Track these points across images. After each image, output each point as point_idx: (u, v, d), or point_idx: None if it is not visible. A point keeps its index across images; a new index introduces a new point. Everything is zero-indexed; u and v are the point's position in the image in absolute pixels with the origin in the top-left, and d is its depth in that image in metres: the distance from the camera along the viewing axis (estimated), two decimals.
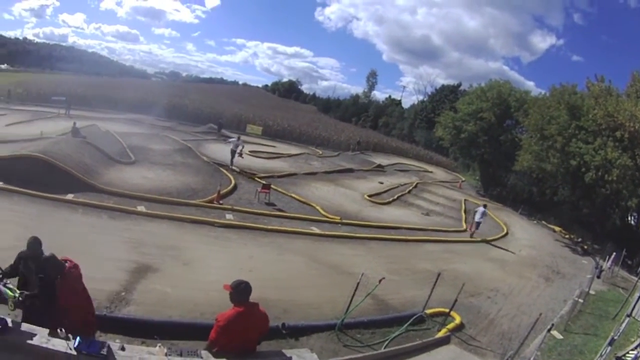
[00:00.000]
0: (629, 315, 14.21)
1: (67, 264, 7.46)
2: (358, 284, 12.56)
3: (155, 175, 26.27)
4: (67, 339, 7.01)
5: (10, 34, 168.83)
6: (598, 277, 25.16)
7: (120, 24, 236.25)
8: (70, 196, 19.12)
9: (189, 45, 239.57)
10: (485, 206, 30.79)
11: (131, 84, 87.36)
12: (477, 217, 29.94)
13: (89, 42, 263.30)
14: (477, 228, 30.04)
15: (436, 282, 14.29)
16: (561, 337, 15.40)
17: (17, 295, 7.30)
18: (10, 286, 7.49)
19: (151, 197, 21.18)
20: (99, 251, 14.04)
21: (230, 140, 34.04)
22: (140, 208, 19.48)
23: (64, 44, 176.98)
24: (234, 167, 31.86)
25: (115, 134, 35.57)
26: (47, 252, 7.52)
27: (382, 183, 40.79)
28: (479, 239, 28.87)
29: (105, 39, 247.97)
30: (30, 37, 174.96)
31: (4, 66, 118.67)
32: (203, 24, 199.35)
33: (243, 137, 36.71)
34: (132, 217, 18.49)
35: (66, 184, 20.13)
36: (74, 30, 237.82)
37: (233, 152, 32.42)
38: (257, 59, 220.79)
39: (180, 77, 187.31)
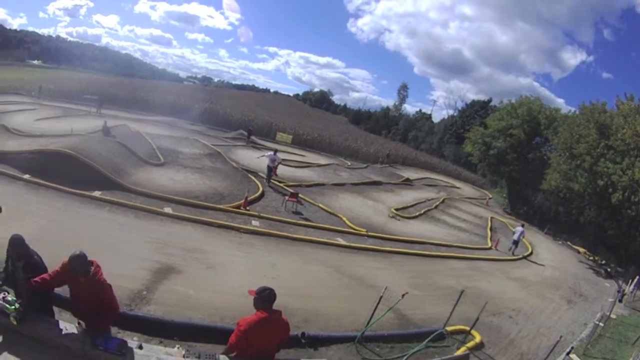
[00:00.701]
0: None
1: (92, 267, 7.53)
2: (381, 297, 12.49)
3: (183, 178, 26.43)
4: (84, 333, 7.17)
5: (44, 31, 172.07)
6: (620, 301, 24.94)
7: (154, 28, 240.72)
8: (97, 193, 19.36)
9: (222, 51, 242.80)
10: (523, 225, 32.91)
11: (163, 87, 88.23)
12: (515, 237, 31.84)
13: (122, 43, 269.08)
14: (515, 246, 31.66)
15: (459, 299, 14.13)
16: None
17: (17, 307, 7.25)
18: (9, 298, 7.43)
19: (178, 200, 21.32)
20: (123, 249, 14.20)
21: (267, 154, 30.89)
22: (167, 209, 19.62)
23: (97, 44, 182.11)
24: (271, 184, 30.10)
25: (146, 135, 35.89)
26: (73, 248, 7.58)
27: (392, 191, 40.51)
28: (519, 257, 29.68)
29: (138, 41, 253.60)
30: (63, 35, 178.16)
31: (36, 62, 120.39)
32: (236, 30, 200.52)
33: (272, 145, 36.56)
34: (158, 217, 18.63)
35: (94, 181, 20.43)
36: (108, 32, 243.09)
37: (270, 168, 30.40)
38: (289, 68, 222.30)
39: (212, 83, 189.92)
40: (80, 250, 7.46)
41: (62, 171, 20.12)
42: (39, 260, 7.80)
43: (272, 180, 30.44)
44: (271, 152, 30.75)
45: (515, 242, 31.83)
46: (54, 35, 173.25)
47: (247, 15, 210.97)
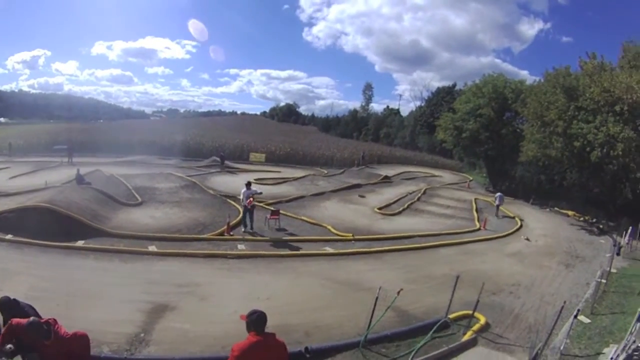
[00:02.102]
0: None
1: (53, 327, 7.38)
2: (377, 298, 12.37)
3: (163, 213, 26.32)
4: None
5: (5, 87, 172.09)
6: (618, 254, 25.22)
7: (114, 67, 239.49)
8: (80, 243, 19.18)
9: (184, 81, 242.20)
10: (501, 192, 38.27)
11: (130, 126, 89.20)
12: (496, 202, 38.02)
13: (84, 88, 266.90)
14: (497, 209, 37.49)
15: (456, 285, 14.06)
16: (589, 320, 15.24)
17: None
18: None
19: (161, 236, 21.23)
20: (114, 294, 14.04)
21: (242, 192, 24.75)
22: (152, 248, 19.48)
23: (59, 92, 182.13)
24: (249, 230, 24.06)
25: (119, 176, 35.82)
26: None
27: (362, 197, 40.33)
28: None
29: (100, 84, 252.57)
30: (25, 88, 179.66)
31: (2, 120, 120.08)
32: (195, 58, 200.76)
33: (247, 167, 36.00)
34: (144, 257, 18.49)
35: (75, 231, 20.24)
36: (69, 78, 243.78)
37: (245, 209, 24.38)
38: (252, 87, 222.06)
39: (179, 114, 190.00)
40: (33, 318, 7.37)
41: (42, 226, 19.90)
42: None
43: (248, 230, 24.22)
44: (244, 189, 24.85)
45: (497, 207, 37.76)
46: (16, 90, 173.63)
47: (203, 41, 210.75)
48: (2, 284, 12.86)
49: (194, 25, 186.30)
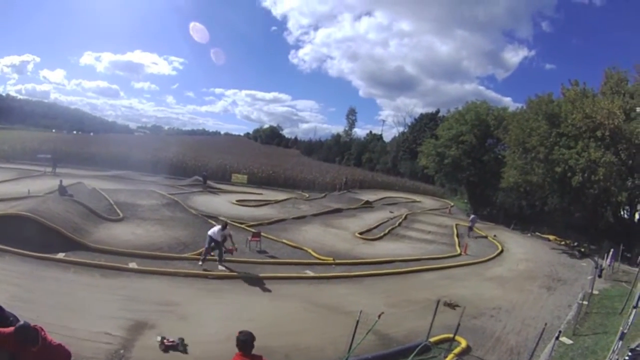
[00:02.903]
0: (635, 307, 14.17)
1: (40, 333, 7.29)
2: (358, 321, 12.37)
3: (144, 231, 26.13)
4: None
5: None
6: (599, 276, 25.56)
7: (100, 79, 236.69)
8: (61, 255, 19.03)
9: (169, 97, 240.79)
10: (475, 213, 40.40)
11: (115, 140, 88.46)
12: (470, 223, 39.84)
13: (70, 98, 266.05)
14: (470, 230, 39.16)
15: (436, 309, 14.19)
16: (571, 342, 15.45)
17: None
18: None
19: (142, 254, 21.08)
20: (94, 310, 13.90)
21: (213, 230, 22.13)
22: (132, 265, 19.34)
23: (46, 100, 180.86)
24: (221, 266, 21.61)
25: (102, 191, 35.50)
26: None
27: (392, 212, 41.16)
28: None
29: (86, 95, 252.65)
30: (12, 93, 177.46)
31: None
32: (181, 75, 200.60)
33: (228, 188, 35.64)
34: (124, 274, 18.32)
35: (56, 243, 20.10)
36: (56, 87, 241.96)
37: (218, 245, 21.56)
38: (237, 107, 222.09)
39: (163, 131, 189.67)
40: (24, 320, 7.29)
41: (24, 235, 19.81)
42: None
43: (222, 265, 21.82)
44: (218, 227, 22.46)
45: (470, 228, 39.44)
46: (4, 94, 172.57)
47: (190, 58, 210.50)
48: None
49: (194, 28, 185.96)
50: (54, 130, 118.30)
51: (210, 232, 21.69)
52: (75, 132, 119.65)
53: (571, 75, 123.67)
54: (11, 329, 7.17)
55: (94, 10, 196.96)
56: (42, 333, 7.27)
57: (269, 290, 18.83)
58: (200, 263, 21.16)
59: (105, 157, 63.44)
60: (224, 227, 22.43)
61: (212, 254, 21.41)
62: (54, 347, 7.39)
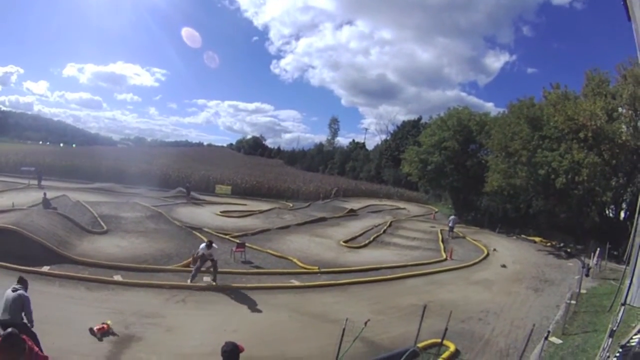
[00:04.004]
0: (623, 304, 14.25)
1: (27, 343, 7.19)
2: (344, 329, 12.27)
3: (128, 243, 26.00)
4: None
5: None
6: (587, 275, 26.26)
7: (83, 91, 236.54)
8: (46, 268, 18.95)
9: (152, 109, 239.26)
10: (455, 215, 41.90)
11: (98, 152, 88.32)
12: (450, 224, 40.79)
13: (53, 110, 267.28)
14: (451, 231, 40.38)
15: (423, 314, 14.17)
16: (560, 341, 15.59)
17: None
18: None
19: (127, 266, 20.99)
20: (79, 323, 13.76)
21: (201, 248, 21.08)
22: (117, 277, 19.27)
23: (29, 112, 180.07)
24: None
25: (86, 203, 35.17)
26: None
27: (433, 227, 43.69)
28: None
29: (69, 107, 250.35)
30: None
31: None
32: (163, 86, 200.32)
33: (212, 199, 35.32)
34: (109, 287, 18.26)
35: (41, 256, 20.02)
36: (39, 98, 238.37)
37: (200, 262, 20.73)
38: (220, 118, 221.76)
39: (146, 142, 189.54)
40: (12, 328, 7.21)
41: (8, 248, 19.71)
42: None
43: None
44: (203, 245, 21.24)
45: (451, 228, 40.67)
46: None
47: (172, 69, 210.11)
48: None
49: (187, 33, 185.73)
50: (40, 142, 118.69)
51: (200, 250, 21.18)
52: (62, 144, 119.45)
53: (553, 78, 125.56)
54: None
55: (77, 21, 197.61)
56: (29, 343, 7.21)
57: (255, 301, 18.72)
58: (189, 282, 20.33)
59: (88, 169, 63.25)
60: (209, 245, 21.46)
61: (202, 269, 21.28)
62: (42, 357, 7.42)
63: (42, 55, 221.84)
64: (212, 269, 20.86)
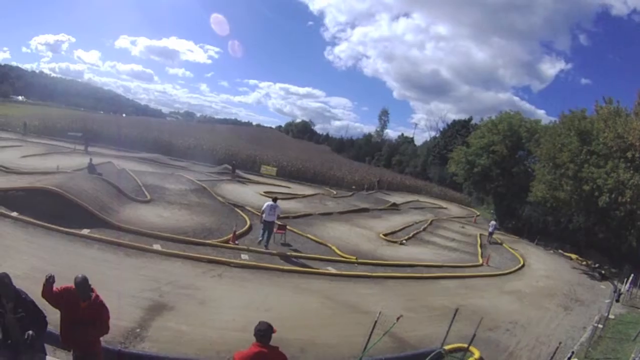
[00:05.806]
0: None
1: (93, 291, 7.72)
2: (375, 322, 12.34)
3: (170, 214, 26.35)
4: None
5: (27, 66, 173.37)
6: (617, 300, 25.40)
7: (135, 63, 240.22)
8: (86, 231, 19.23)
9: (203, 85, 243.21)
10: (495, 220, 41.61)
11: (146, 123, 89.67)
12: (490, 229, 41.03)
13: (104, 79, 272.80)
14: (490, 236, 40.85)
15: (454, 317, 14.05)
16: None
17: None
18: None
19: (167, 236, 21.17)
20: (114, 287, 13.77)
21: (266, 205, 23.23)
22: (156, 246, 19.50)
23: (79, 80, 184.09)
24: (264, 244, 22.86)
25: (131, 172, 36.03)
26: (64, 282, 7.57)
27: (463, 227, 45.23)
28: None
29: (120, 77, 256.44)
30: (46, 71, 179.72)
31: (20, 98, 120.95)
32: (216, 64, 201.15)
33: (257, 178, 35.64)
34: (147, 255, 18.49)
35: (82, 219, 20.31)
36: (90, 67, 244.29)
37: (267, 226, 22.97)
38: (270, 100, 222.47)
39: (195, 118, 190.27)
40: (82, 274, 7.64)
41: (50, 209, 20.02)
42: (28, 298, 7.62)
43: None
44: (270, 202, 23.57)
45: (490, 234, 40.93)
46: (37, 71, 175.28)
47: (226, 48, 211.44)
48: (2, 261, 13.11)
49: (217, 20, 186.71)
50: (88, 110, 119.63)
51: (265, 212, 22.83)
52: (111, 113, 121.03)
53: (606, 91, 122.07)
54: (67, 285, 7.62)
55: None
56: (94, 291, 7.72)
57: (290, 283, 18.84)
58: (259, 242, 22.71)
59: (136, 139, 64.03)
60: (274, 200, 23.72)
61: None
62: (99, 305, 7.76)
63: (95, 26, 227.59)
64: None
